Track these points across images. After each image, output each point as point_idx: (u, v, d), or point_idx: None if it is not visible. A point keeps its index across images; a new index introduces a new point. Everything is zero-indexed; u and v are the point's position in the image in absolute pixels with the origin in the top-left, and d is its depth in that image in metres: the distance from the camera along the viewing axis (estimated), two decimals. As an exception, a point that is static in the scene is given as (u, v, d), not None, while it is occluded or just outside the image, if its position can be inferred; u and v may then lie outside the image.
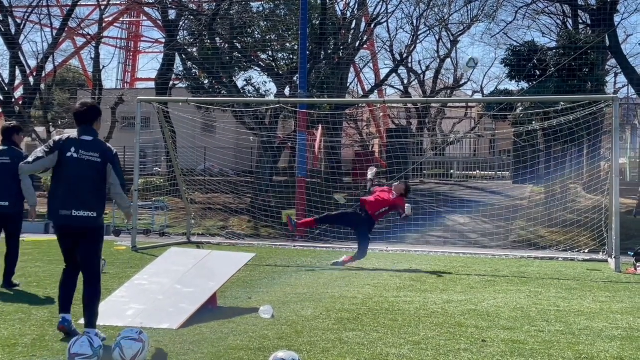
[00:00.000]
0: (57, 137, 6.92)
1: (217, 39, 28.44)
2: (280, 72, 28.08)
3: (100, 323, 7.35)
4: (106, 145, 6.89)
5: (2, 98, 29.67)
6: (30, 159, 6.82)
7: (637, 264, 13.26)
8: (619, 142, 14.37)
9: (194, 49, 28.84)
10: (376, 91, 36.98)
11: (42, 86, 32.35)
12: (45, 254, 13.75)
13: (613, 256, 13.46)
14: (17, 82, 31.44)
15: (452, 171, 31.55)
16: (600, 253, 15.29)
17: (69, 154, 6.71)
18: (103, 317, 7.52)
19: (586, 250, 16.03)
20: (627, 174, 33.04)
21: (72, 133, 6.95)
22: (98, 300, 6.78)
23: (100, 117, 7.06)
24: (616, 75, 36.87)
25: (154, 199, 21.48)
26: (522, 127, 21.42)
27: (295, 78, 26.06)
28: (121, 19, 39.40)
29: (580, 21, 29.01)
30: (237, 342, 6.73)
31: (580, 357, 6.36)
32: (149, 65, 74.04)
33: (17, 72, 30.48)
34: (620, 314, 8.49)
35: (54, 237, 7.24)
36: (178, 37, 28.51)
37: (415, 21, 34.78)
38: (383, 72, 38.65)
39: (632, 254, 14.28)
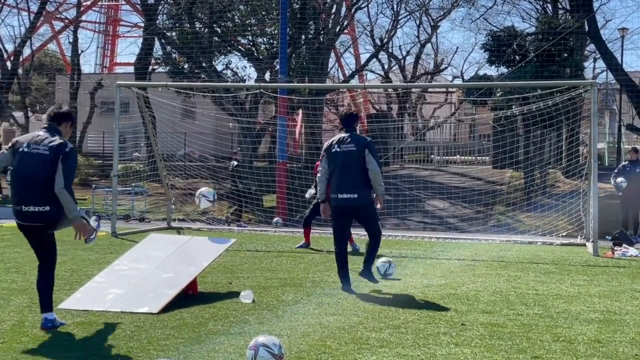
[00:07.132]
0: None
1: (197, 23, 28.24)
2: (261, 57, 27.97)
3: (79, 308, 7.36)
4: (62, 141, 6.61)
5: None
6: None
7: (615, 248, 13.38)
8: (597, 127, 14.45)
9: (173, 33, 28.63)
10: (357, 76, 36.99)
11: (20, 70, 32.05)
12: (24, 240, 13.58)
13: (591, 240, 13.56)
14: (-6, 66, 31.11)
15: (432, 156, 31.66)
16: (579, 237, 15.39)
17: (20, 149, 6.59)
18: (82, 302, 7.51)
19: (564, 234, 16.13)
20: (606, 159, 33.31)
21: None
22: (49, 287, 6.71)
23: (70, 123, 6.90)
24: (595, 60, 37.19)
25: (133, 184, 21.35)
26: (502, 112, 21.50)
27: (275, 63, 25.98)
28: (99, 3, 39.00)
29: (560, 6, 29.13)
30: (218, 327, 6.74)
31: (559, 339, 6.43)
32: (128, 49, 73.35)
33: (-6, 56, 30.16)
34: (597, 297, 8.58)
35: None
36: (157, 21, 28.28)
37: (395, 6, 34.86)
38: (363, 57, 38.68)
39: (610, 238, 14.40)
